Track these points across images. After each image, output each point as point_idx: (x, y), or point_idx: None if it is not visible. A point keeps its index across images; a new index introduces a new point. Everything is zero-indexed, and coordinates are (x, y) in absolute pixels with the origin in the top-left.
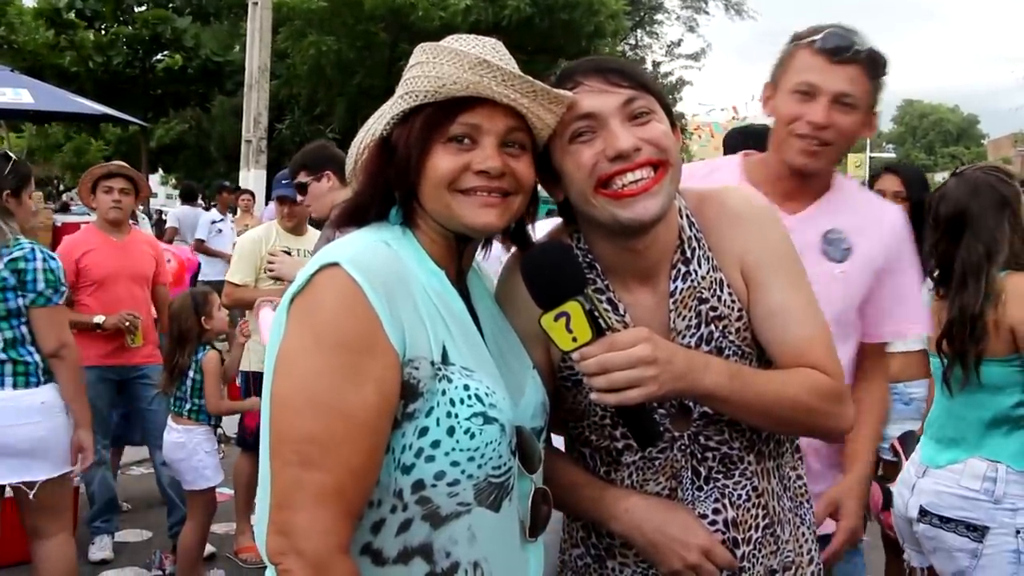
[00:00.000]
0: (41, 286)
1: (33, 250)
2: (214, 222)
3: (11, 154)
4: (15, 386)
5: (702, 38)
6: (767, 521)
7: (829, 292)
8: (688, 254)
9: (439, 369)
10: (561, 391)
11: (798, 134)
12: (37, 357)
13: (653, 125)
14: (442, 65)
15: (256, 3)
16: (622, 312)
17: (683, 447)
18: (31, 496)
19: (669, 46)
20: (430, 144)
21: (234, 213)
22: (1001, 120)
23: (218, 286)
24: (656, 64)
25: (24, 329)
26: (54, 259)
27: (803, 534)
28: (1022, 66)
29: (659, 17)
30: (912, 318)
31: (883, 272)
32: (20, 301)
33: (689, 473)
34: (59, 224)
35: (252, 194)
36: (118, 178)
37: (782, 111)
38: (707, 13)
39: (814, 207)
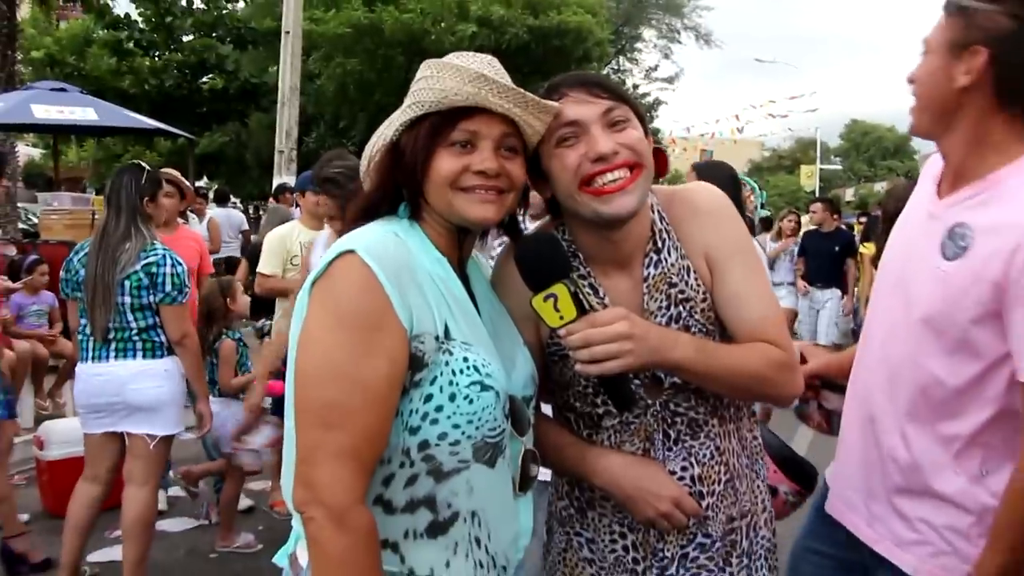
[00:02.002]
0: (168, 287)
1: (164, 256)
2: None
3: (143, 164)
4: (144, 356)
5: (675, 64)
6: (728, 476)
7: (925, 288)
8: (659, 244)
9: (442, 343)
10: (549, 364)
11: None
12: (163, 337)
13: (629, 132)
14: (445, 79)
15: (288, 32)
16: (602, 295)
17: (655, 413)
18: (151, 447)
19: (647, 70)
20: (435, 148)
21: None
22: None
23: None
24: (635, 86)
25: (154, 318)
26: (180, 264)
27: (758, 486)
28: None
29: (638, 45)
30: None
31: (1002, 291)
32: (152, 298)
33: (660, 435)
34: None
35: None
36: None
37: None
38: (680, 42)
39: (954, 196)
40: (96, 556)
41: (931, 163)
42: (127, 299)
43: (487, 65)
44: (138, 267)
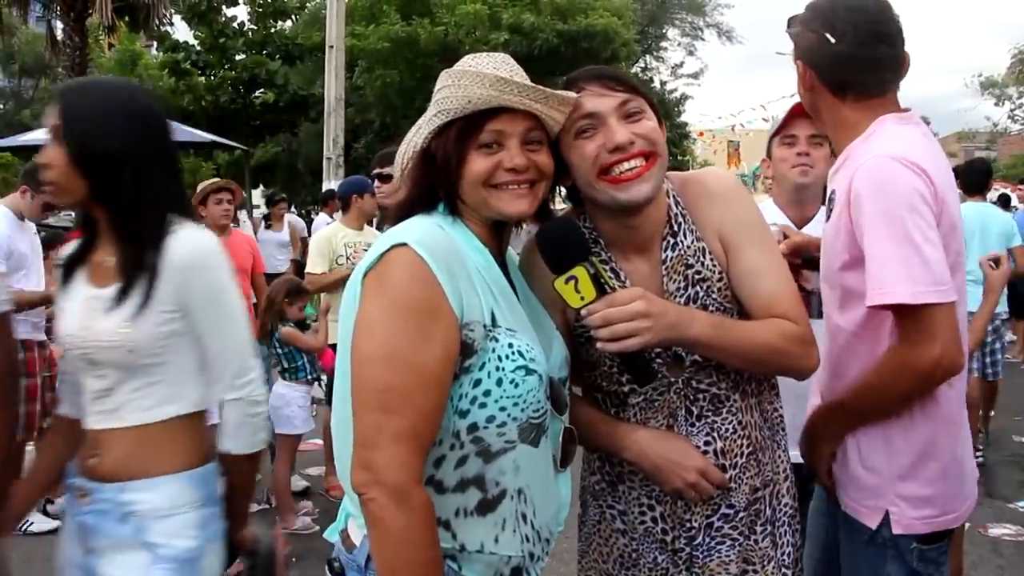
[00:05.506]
0: None
1: None
2: (328, 224)
3: None
4: None
5: (700, 60)
6: (750, 448)
7: (824, 252)
8: (675, 228)
9: (489, 331)
10: (577, 346)
11: None
12: None
13: (644, 122)
14: (467, 87)
15: (332, 46)
16: (623, 279)
17: (678, 390)
18: None
19: (673, 68)
20: (466, 151)
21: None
22: (947, 121)
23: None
24: (663, 83)
25: None
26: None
27: (779, 456)
28: (961, 77)
29: (664, 44)
30: (874, 285)
31: (855, 230)
32: None
33: (683, 412)
34: None
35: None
36: (225, 191)
37: None
38: (703, 39)
39: (831, 175)
40: None
41: None
42: None
43: (502, 64)
44: None
